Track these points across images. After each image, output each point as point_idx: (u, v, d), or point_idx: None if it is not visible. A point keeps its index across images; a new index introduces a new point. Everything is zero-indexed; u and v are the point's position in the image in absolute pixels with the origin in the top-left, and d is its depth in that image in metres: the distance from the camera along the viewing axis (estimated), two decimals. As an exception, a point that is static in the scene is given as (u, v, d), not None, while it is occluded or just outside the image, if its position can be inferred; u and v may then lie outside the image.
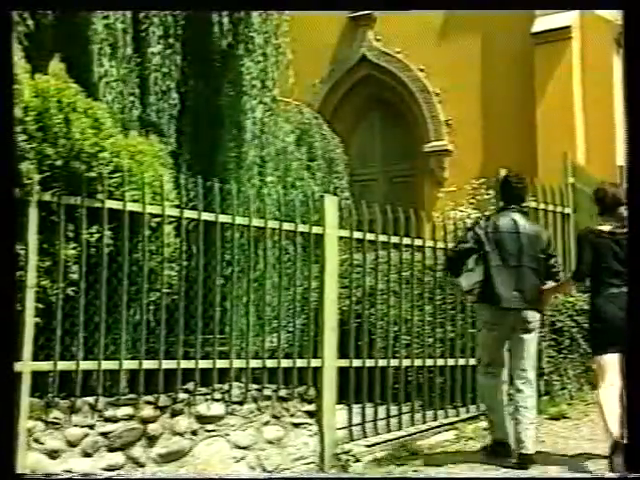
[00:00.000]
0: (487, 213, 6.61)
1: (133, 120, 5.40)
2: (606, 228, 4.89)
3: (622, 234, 4.71)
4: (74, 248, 3.76)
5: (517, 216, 4.93)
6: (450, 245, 5.67)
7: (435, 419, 5.60)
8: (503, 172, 6.38)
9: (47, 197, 3.66)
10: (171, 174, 4.45)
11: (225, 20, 6.00)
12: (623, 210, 4.82)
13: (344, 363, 4.94)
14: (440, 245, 5.82)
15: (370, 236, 5.31)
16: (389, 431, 5.21)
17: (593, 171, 8.21)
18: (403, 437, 5.23)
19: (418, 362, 5.62)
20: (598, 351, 4.78)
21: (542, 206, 6.74)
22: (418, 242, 5.68)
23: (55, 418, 3.60)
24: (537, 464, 4.65)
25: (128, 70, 5.50)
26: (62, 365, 3.68)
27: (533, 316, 4.84)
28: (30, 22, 4.92)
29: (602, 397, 4.64)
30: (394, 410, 5.33)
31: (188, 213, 4.26)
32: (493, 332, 4.86)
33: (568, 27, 10.69)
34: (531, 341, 4.88)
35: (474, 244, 4.83)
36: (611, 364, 4.67)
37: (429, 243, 5.79)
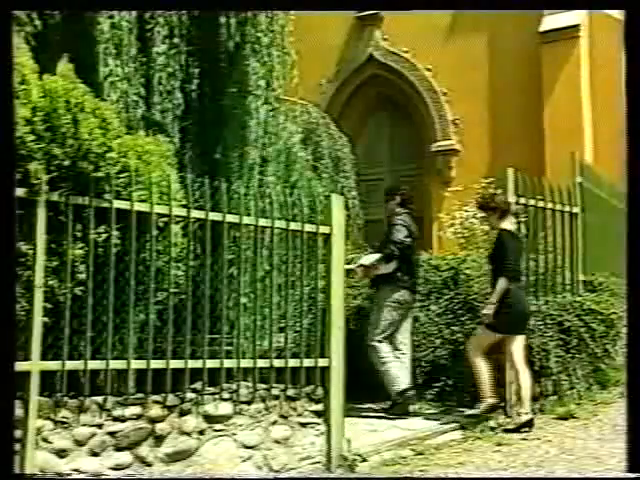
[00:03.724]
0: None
1: (138, 120, 5.40)
2: (514, 228, 5.81)
3: (517, 234, 5.83)
4: (82, 248, 3.77)
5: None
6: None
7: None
8: (510, 171, 6.40)
9: (55, 197, 3.67)
10: (177, 174, 4.45)
11: (232, 20, 6.00)
12: (514, 211, 5.91)
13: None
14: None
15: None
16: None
17: (601, 170, 8.19)
18: (410, 437, 5.23)
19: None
20: (511, 331, 5.58)
21: (550, 205, 6.72)
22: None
23: (64, 417, 3.61)
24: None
25: (133, 70, 5.51)
26: (70, 364, 3.68)
27: None
28: (37, 22, 4.93)
29: (522, 374, 5.53)
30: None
31: (195, 213, 4.26)
32: (400, 310, 5.84)
33: (576, 26, 10.67)
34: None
35: (411, 240, 5.90)
36: (522, 343, 5.60)
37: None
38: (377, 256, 5.88)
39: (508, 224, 5.75)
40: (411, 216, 6.13)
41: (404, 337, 5.95)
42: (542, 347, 6.05)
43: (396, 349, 5.89)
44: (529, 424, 5.46)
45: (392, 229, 5.88)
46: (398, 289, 5.80)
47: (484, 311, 5.63)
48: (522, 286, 5.77)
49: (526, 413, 5.49)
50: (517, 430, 5.42)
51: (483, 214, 6.06)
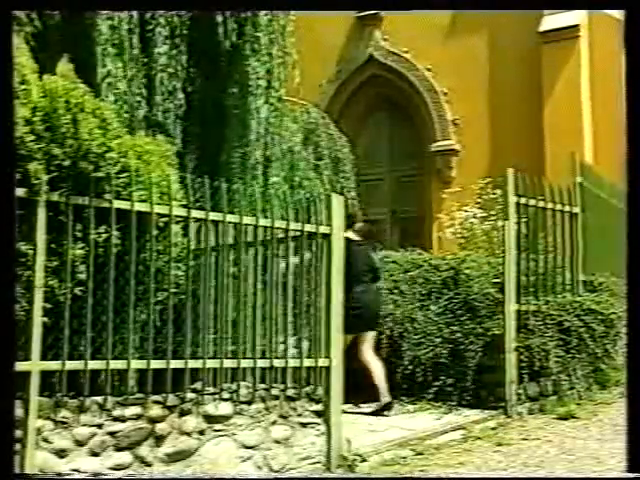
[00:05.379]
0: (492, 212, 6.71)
1: (139, 120, 5.41)
2: (355, 237, 6.07)
3: (363, 241, 6.18)
4: (82, 248, 3.77)
5: None
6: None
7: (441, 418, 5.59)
8: (510, 171, 6.39)
9: (55, 197, 3.67)
10: (177, 174, 4.45)
11: (231, 20, 6.00)
12: (360, 225, 6.31)
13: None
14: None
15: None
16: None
17: (601, 170, 8.18)
18: (410, 437, 5.23)
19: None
20: (358, 330, 5.83)
21: (550, 205, 6.72)
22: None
23: (64, 417, 3.61)
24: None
25: (135, 70, 5.51)
26: (70, 365, 3.68)
27: None
28: (37, 22, 4.93)
29: (373, 365, 5.88)
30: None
31: (195, 213, 4.26)
32: None
33: (576, 26, 10.67)
34: None
35: None
36: (370, 340, 5.96)
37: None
38: None
39: (350, 233, 6.05)
40: None
41: None
42: (542, 347, 6.04)
43: None
44: (388, 407, 5.87)
45: None
46: None
47: None
48: (368, 289, 6.04)
49: (385, 397, 5.88)
50: (377, 413, 5.83)
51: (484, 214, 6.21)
